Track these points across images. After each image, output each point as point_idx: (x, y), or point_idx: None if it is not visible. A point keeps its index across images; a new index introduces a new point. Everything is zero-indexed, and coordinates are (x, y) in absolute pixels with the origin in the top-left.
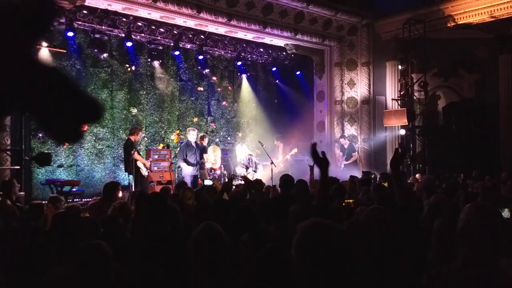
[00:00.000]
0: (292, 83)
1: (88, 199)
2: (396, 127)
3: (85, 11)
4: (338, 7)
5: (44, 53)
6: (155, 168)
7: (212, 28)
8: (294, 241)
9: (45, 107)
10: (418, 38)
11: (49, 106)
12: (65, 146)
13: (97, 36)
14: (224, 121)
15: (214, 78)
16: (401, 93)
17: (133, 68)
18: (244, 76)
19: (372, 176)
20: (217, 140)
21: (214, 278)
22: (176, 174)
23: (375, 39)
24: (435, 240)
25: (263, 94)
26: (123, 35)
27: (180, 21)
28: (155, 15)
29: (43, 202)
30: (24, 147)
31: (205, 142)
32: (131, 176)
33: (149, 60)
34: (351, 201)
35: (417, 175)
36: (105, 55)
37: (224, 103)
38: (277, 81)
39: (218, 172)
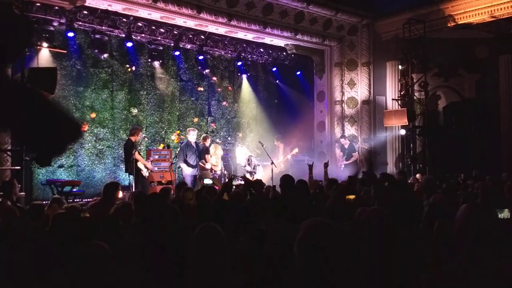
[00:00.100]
0: (292, 83)
1: (88, 200)
2: (396, 127)
3: (85, 12)
4: (338, 7)
5: (45, 53)
6: (156, 169)
7: (212, 28)
8: (297, 241)
9: (19, 126)
10: (418, 38)
11: (23, 125)
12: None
13: (97, 36)
14: (225, 121)
15: (214, 78)
16: (401, 93)
17: (134, 68)
18: (244, 76)
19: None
20: (218, 140)
21: (214, 279)
22: (177, 174)
23: (375, 39)
24: (435, 240)
25: (263, 94)
26: (123, 35)
27: (180, 21)
28: (155, 15)
29: (44, 202)
30: (24, 147)
31: (207, 143)
32: (131, 177)
33: (149, 60)
34: (351, 197)
35: (417, 175)
36: (105, 55)
37: (224, 103)
38: (277, 81)
39: (218, 172)
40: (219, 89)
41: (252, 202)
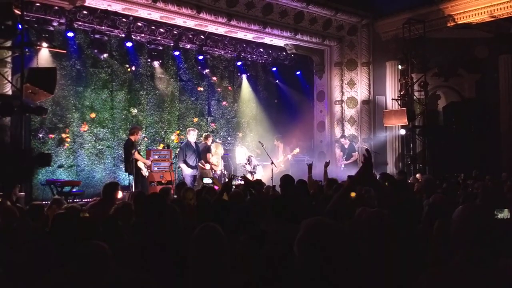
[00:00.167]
0: (292, 83)
1: (88, 200)
2: (396, 127)
3: (85, 12)
4: (338, 7)
5: (44, 53)
6: (156, 168)
7: (212, 28)
8: (297, 240)
9: None
10: (418, 38)
11: None
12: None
13: (97, 36)
14: (224, 121)
15: (214, 78)
16: (401, 93)
17: (133, 68)
18: (244, 76)
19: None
20: (218, 140)
21: (214, 279)
22: (177, 174)
23: (375, 39)
24: (435, 240)
25: (263, 94)
26: (123, 35)
27: (180, 21)
28: (155, 15)
29: (43, 202)
30: (24, 147)
31: (209, 142)
32: (131, 176)
33: (149, 60)
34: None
35: (417, 175)
36: (105, 55)
37: (224, 103)
38: (277, 81)
39: (218, 172)
40: (219, 89)
41: (252, 202)
